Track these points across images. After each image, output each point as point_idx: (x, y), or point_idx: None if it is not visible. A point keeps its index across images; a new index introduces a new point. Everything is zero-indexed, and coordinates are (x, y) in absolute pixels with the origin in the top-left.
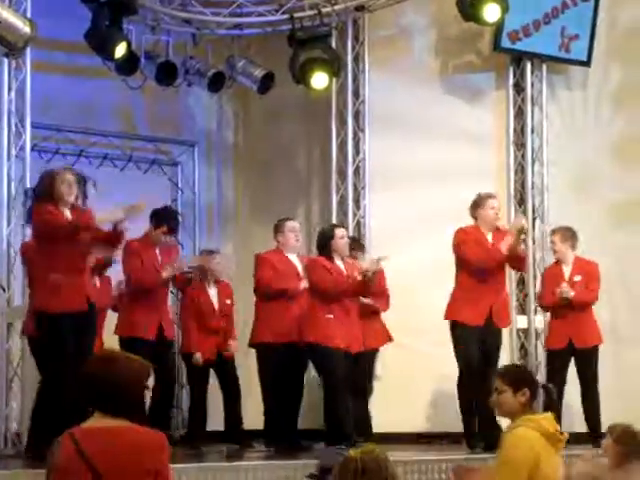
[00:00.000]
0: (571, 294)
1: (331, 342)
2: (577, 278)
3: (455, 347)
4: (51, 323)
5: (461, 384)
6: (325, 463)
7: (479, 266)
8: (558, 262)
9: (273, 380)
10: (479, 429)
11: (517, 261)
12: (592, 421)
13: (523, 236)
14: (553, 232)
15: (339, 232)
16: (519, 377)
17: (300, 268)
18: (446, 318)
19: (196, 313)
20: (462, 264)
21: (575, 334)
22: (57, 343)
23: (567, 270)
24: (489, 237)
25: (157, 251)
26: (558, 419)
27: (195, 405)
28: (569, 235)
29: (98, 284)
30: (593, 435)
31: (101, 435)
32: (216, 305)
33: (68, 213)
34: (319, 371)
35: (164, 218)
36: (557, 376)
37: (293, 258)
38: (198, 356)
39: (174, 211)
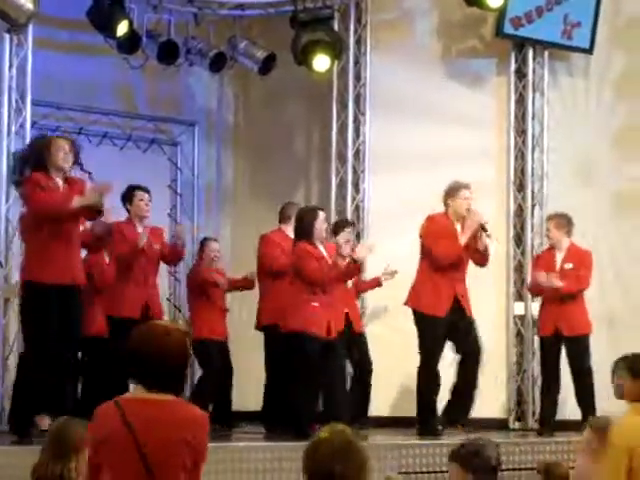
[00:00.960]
0: (559, 284)
1: (313, 330)
2: (568, 266)
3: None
4: (38, 292)
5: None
6: None
7: (444, 263)
8: (552, 248)
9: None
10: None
11: (478, 256)
12: (585, 409)
13: (487, 233)
14: (549, 218)
15: (321, 216)
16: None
17: None
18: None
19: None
20: (427, 254)
21: (563, 322)
22: (42, 313)
23: (560, 257)
24: (457, 227)
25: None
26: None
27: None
28: (564, 222)
29: (107, 260)
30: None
31: (146, 406)
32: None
33: (61, 183)
34: (295, 357)
35: None
36: (548, 363)
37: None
38: None
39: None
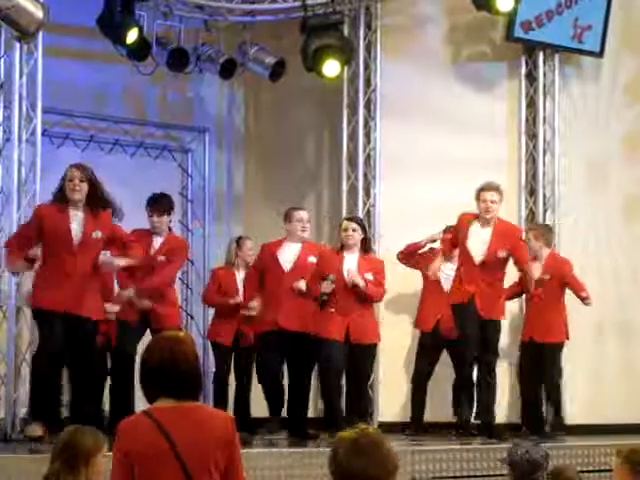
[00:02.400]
0: (535, 275)
1: (328, 334)
2: (546, 277)
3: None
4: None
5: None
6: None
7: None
8: (533, 259)
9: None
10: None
11: None
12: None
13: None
14: (528, 229)
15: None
16: None
17: (293, 257)
18: None
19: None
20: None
21: (537, 329)
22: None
23: (538, 268)
24: (477, 228)
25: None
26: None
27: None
28: (543, 232)
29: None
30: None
31: (174, 411)
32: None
33: (79, 219)
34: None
35: None
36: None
37: (294, 247)
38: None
39: None
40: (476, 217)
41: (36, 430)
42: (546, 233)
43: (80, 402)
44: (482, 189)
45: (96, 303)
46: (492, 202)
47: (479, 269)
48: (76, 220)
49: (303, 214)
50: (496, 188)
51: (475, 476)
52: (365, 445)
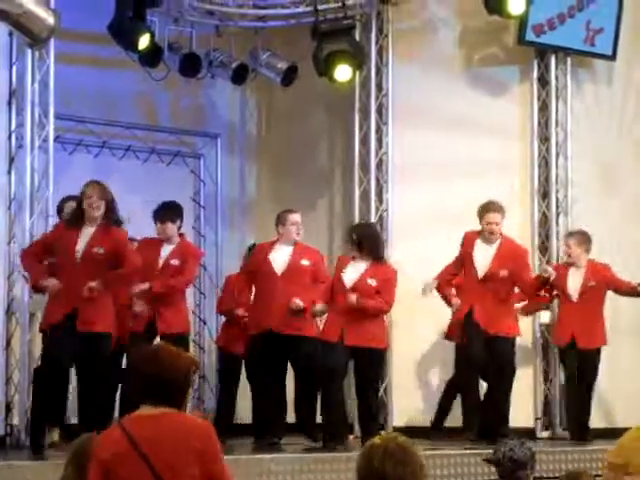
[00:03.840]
0: (553, 274)
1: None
2: (591, 284)
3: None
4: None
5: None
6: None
7: None
8: (568, 265)
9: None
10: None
11: None
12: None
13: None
14: (569, 235)
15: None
16: None
17: (286, 259)
18: None
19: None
20: None
21: (580, 335)
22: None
23: (579, 274)
24: (481, 244)
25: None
26: None
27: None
28: (583, 239)
29: None
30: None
31: (149, 422)
32: None
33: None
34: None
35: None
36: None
37: (286, 249)
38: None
39: None
40: (479, 233)
41: (52, 437)
42: (586, 241)
43: (92, 410)
44: (486, 210)
45: (108, 316)
46: (496, 224)
47: (481, 284)
48: (84, 235)
49: (297, 217)
50: (499, 209)
51: None
52: (396, 450)
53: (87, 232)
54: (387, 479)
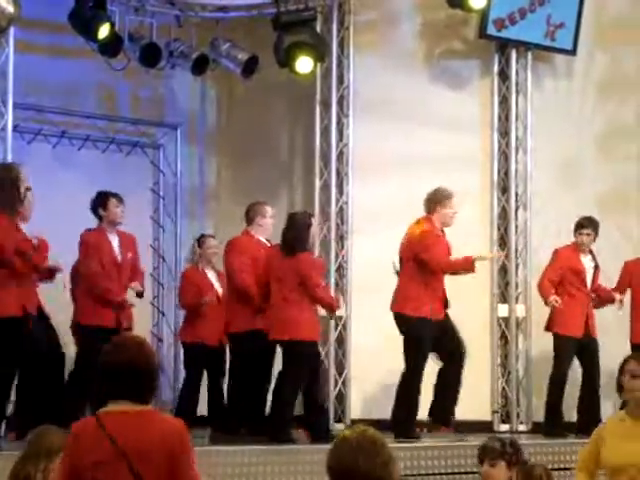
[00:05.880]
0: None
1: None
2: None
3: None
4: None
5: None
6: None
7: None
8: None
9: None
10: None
11: None
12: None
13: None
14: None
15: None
16: None
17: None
18: None
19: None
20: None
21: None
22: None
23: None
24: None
25: None
26: None
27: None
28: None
29: None
30: None
31: (124, 417)
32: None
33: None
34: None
35: None
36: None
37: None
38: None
39: None
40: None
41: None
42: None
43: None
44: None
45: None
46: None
47: None
48: None
49: (272, 209)
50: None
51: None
52: (364, 443)
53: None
54: (358, 473)
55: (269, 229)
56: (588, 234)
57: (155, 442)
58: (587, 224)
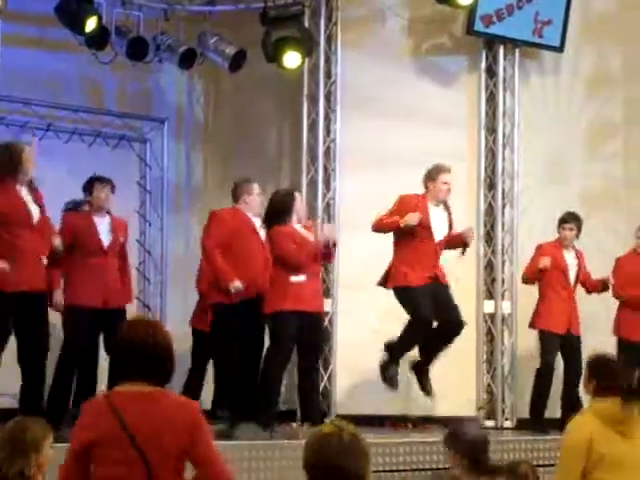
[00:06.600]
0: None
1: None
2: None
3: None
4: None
5: None
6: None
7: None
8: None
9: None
10: None
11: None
12: None
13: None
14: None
15: (298, 197)
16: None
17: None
18: None
19: None
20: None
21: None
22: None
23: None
24: (432, 208)
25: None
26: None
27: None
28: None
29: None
30: None
31: (137, 399)
32: None
33: (25, 192)
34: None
35: None
36: None
37: (253, 218)
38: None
39: None
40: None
41: None
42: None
43: None
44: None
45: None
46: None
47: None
48: None
49: (258, 187)
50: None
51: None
52: (349, 442)
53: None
54: (344, 472)
55: (256, 206)
56: (571, 229)
57: (166, 422)
58: (570, 219)
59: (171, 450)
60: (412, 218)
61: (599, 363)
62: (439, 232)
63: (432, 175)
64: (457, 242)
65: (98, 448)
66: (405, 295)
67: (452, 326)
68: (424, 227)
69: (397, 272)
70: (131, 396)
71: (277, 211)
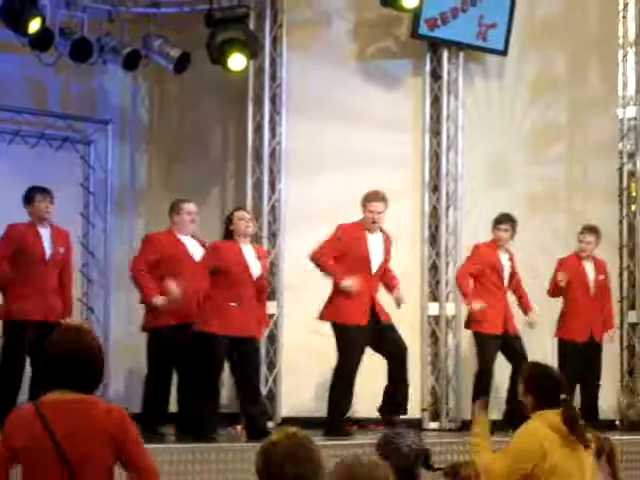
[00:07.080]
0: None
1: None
2: (601, 277)
3: None
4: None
5: None
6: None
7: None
8: (580, 258)
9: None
10: None
11: None
12: None
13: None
14: (590, 230)
15: (238, 214)
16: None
17: (192, 248)
18: None
19: None
20: None
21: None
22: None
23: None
24: (366, 235)
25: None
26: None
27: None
28: (599, 235)
29: None
30: None
31: (63, 404)
32: None
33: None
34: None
35: None
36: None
37: (186, 239)
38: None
39: None
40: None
41: None
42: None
43: None
44: (370, 199)
45: None
46: (379, 213)
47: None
48: None
49: (192, 206)
50: (383, 199)
51: None
52: (294, 448)
53: None
54: (285, 475)
55: (186, 226)
56: (506, 229)
57: (94, 430)
58: (504, 220)
59: (98, 459)
60: (349, 286)
61: (538, 377)
62: (376, 261)
63: (363, 202)
64: (390, 292)
65: (22, 456)
66: (340, 335)
67: (397, 357)
68: (361, 258)
69: (333, 305)
70: (59, 403)
71: (224, 231)
